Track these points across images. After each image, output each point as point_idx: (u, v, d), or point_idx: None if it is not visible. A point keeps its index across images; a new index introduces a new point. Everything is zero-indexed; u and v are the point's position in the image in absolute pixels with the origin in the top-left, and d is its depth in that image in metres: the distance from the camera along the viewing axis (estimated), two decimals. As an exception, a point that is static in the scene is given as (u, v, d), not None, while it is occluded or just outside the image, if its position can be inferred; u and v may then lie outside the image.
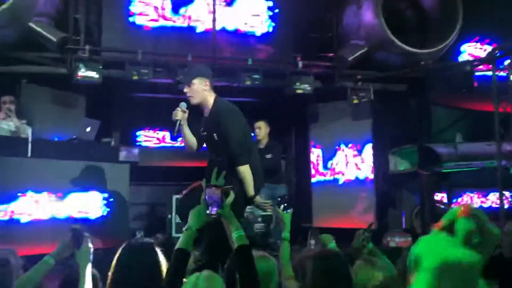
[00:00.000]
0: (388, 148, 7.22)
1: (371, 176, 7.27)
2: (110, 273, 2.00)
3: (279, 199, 2.81)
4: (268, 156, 5.92)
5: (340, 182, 7.49)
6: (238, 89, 6.80)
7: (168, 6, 6.61)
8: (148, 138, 7.86)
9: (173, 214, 6.04)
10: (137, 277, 1.95)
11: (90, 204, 4.88)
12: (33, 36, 5.81)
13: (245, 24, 6.84)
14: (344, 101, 7.05)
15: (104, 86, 6.09)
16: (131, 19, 6.52)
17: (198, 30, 6.67)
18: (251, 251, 2.00)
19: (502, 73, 6.20)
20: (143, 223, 7.18)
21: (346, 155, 7.47)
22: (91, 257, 2.25)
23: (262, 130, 6.02)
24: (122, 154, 5.56)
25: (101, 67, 5.92)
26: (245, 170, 3.29)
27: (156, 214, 7.53)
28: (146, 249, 2.04)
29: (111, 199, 5.02)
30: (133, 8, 6.53)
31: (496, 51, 5.98)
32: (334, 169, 7.54)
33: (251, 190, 3.31)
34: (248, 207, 6.82)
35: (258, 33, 6.90)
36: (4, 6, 5.34)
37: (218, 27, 6.56)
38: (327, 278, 1.78)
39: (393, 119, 7.52)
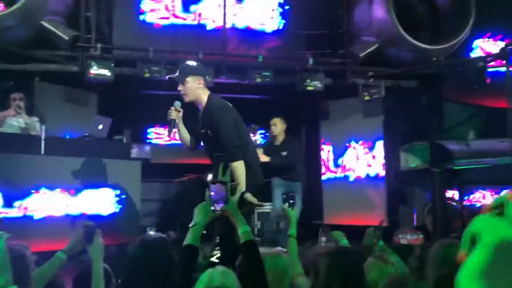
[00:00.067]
0: (399, 145, 7.18)
1: (382, 173, 7.24)
2: (124, 268, 2.02)
3: (284, 196, 2.82)
4: (284, 153, 5.89)
5: (351, 179, 7.47)
6: (249, 86, 6.81)
7: (179, 4, 6.63)
8: (159, 135, 7.90)
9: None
10: (151, 272, 1.97)
11: (102, 201, 4.93)
12: (45, 34, 5.86)
13: (256, 21, 6.84)
14: (355, 98, 7.02)
15: (115, 84, 6.13)
16: (141, 17, 6.56)
17: (208, 28, 6.69)
18: (257, 246, 2.01)
19: (515, 69, 6.13)
20: (154, 220, 7.23)
21: (357, 152, 7.45)
22: (103, 252, 2.28)
23: (277, 126, 5.98)
24: (134, 151, 5.59)
25: (113, 65, 5.96)
26: (237, 166, 3.29)
27: (167, 211, 7.57)
28: (160, 245, 2.05)
29: (123, 196, 5.06)
30: (143, 6, 6.56)
31: (509, 47, 5.92)
32: (344, 166, 7.52)
33: (242, 186, 3.32)
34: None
35: (268, 30, 6.89)
36: (16, 6, 5.40)
37: (228, 25, 6.56)
38: (341, 275, 1.78)
39: (405, 115, 7.48)
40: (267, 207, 6.43)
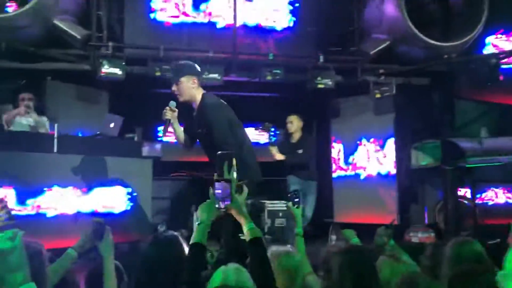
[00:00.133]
0: (410, 143, 7.14)
1: (393, 171, 7.20)
2: (137, 266, 2.04)
3: (289, 194, 2.81)
4: (300, 151, 5.87)
5: (362, 177, 7.45)
6: (259, 84, 6.81)
7: (189, 2, 6.65)
8: (170, 133, 7.92)
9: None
10: (164, 271, 1.98)
11: (114, 199, 4.96)
12: (57, 33, 5.91)
13: (266, 19, 6.83)
14: (365, 95, 6.99)
15: (126, 82, 6.16)
16: (152, 15, 6.58)
17: (218, 26, 6.69)
18: (264, 244, 2.01)
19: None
20: (165, 217, 7.27)
21: (367, 150, 7.42)
22: (113, 249, 2.30)
23: (294, 124, 5.97)
24: (145, 150, 5.63)
25: (124, 63, 5.99)
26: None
27: (178, 208, 7.60)
28: (172, 243, 2.07)
29: (134, 194, 5.09)
30: (154, 5, 6.58)
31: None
32: (355, 164, 7.50)
33: None
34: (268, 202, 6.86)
35: (279, 28, 6.88)
36: (29, 5, 5.44)
37: (238, 23, 6.56)
38: (354, 274, 1.77)
39: (416, 113, 7.43)
40: (277, 205, 6.42)
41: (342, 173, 7.61)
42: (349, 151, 7.56)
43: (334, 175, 7.63)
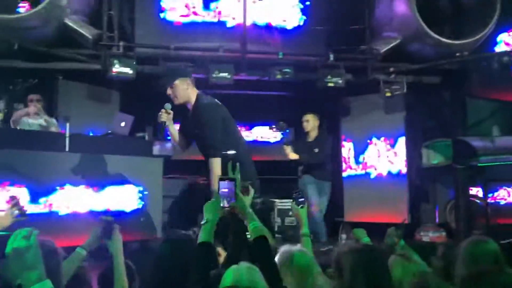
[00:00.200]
0: (421, 142, 7.10)
1: (404, 170, 7.17)
2: (150, 265, 2.05)
3: (293, 195, 2.80)
4: (316, 150, 5.82)
5: (372, 176, 7.42)
6: (269, 83, 6.81)
7: (199, 1, 6.66)
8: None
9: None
10: (177, 269, 1.99)
11: (125, 197, 5.00)
12: (69, 33, 5.95)
13: (276, 18, 6.82)
14: (376, 94, 6.95)
15: (137, 81, 6.20)
16: (162, 15, 6.61)
17: (228, 25, 6.70)
18: (268, 242, 2.02)
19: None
20: (175, 216, 7.29)
21: (378, 149, 7.39)
22: (122, 246, 2.32)
23: (310, 123, 5.91)
24: (156, 149, 5.66)
25: (134, 62, 6.02)
26: (215, 164, 3.35)
27: (188, 207, 7.62)
28: (185, 242, 2.08)
29: (145, 193, 5.12)
30: (164, 4, 6.61)
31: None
32: (365, 163, 7.47)
33: (215, 184, 3.36)
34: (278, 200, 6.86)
35: (289, 27, 6.87)
36: (41, 5, 5.49)
37: (248, 22, 6.56)
38: (367, 274, 1.77)
39: (427, 111, 7.39)
40: (287, 204, 6.43)
41: (353, 172, 7.59)
42: (360, 150, 7.54)
43: (344, 174, 7.61)
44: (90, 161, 4.79)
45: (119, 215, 4.83)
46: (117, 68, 5.94)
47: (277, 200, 6.98)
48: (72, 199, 4.62)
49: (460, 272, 1.95)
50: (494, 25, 6.47)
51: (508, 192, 7.03)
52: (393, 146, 7.29)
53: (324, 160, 5.91)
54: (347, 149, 7.65)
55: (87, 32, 5.98)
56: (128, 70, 5.97)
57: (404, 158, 7.17)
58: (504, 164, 6.33)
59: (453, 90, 7.19)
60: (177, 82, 3.57)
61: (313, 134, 5.94)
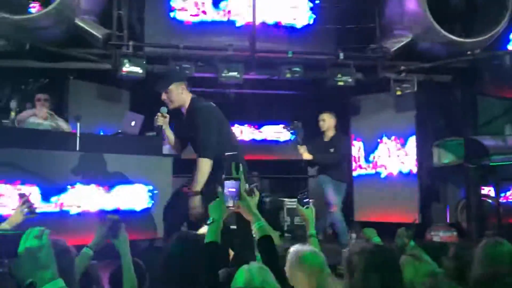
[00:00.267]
0: (432, 141, 7.05)
1: (415, 170, 7.12)
2: (160, 264, 2.05)
3: (299, 195, 2.78)
4: (331, 150, 5.75)
5: (382, 175, 7.39)
6: (279, 82, 6.80)
7: (209, 1, 6.67)
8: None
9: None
10: (188, 269, 1.99)
11: (135, 197, 5.02)
12: (79, 33, 5.99)
13: (286, 16, 6.81)
14: (386, 92, 6.91)
15: (147, 81, 6.22)
16: (172, 14, 6.62)
17: (238, 24, 6.70)
18: (273, 242, 2.01)
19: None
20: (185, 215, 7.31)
21: (388, 148, 7.35)
22: (128, 245, 2.33)
23: (325, 122, 5.80)
24: (165, 148, 5.66)
25: (144, 62, 6.04)
26: (203, 164, 3.41)
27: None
28: (197, 242, 2.08)
29: (155, 192, 5.14)
30: (174, 4, 6.63)
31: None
32: (376, 162, 7.44)
33: (198, 185, 3.40)
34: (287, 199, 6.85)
35: (298, 25, 6.85)
36: (52, 5, 5.53)
37: (258, 21, 6.55)
38: (380, 274, 1.75)
39: (438, 110, 7.34)
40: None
41: (363, 171, 7.56)
42: (370, 149, 7.50)
43: (354, 173, 7.58)
44: (100, 161, 4.81)
45: (129, 214, 4.86)
46: (127, 68, 5.97)
47: (286, 199, 6.98)
48: (83, 198, 4.65)
49: (476, 274, 1.92)
50: (506, 22, 6.39)
51: (520, 192, 6.96)
52: (403, 145, 7.25)
53: (340, 160, 5.77)
54: (357, 148, 7.62)
55: (97, 32, 6.01)
56: (138, 70, 5.99)
57: (415, 157, 7.13)
58: (516, 163, 6.27)
59: (464, 89, 7.13)
60: (172, 86, 3.61)
61: (329, 134, 5.82)
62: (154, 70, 6.31)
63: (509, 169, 6.40)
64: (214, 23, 6.68)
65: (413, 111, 7.16)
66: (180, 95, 3.62)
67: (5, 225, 2.68)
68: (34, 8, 5.89)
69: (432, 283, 1.75)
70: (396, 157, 7.28)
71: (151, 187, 5.12)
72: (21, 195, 2.86)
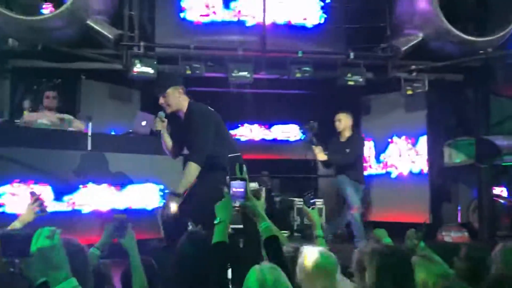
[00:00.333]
0: (443, 140, 7.01)
1: (426, 169, 7.08)
2: (172, 263, 2.07)
3: (304, 196, 2.78)
4: (348, 150, 5.69)
5: (393, 175, 7.35)
6: (289, 81, 6.79)
7: (219, 1, 6.68)
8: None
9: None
10: (200, 268, 2.00)
11: (147, 196, 5.05)
12: (91, 33, 6.03)
13: (296, 16, 6.80)
14: (397, 92, 6.87)
15: (158, 81, 6.24)
16: (182, 14, 6.65)
17: (248, 24, 6.71)
18: (279, 242, 2.02)
19: None
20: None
21: (399, 148, 7.31)
22: (136, 244, 2.35)
23: (341, 122, 5.74)
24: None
25: (155, 62, 6.08)
26: (191, 168, 3.45)
27: (207, 206, 7.66)
28: (206, 241, 2.09)
29: (166, 191, 5.17)
30: (184, 4, 6.65)
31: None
32: (386, 162, 7.40)
33: (181, 187, 3.46)
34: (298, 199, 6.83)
35: (309, 25, 6.84)
36: (65, 6, 5.58)
37: (268, 21, 6.56)
38: (393, 275, 1.74)
39: (449, 110, 7.28)
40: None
41: (373, 171, 7.53)
42: (380, 149, 7.47)
43: (364, 173, 7.54)
44: (112, 160, 4.86)
45: (140, 213, 4.89)
46: (138, 68, 6.00)
47: (296, 199, 6.97)
48: (95, 198, 4.69)
49: (494, 276, 1.91)
50: (519, 21, 6.33)
51: (533, 192, 6.90)
52: (414, 145, 7.21)
53: (356, 161, 5.69)
54: (368, 148, 7.58)
55: (109, 32, 6.05)
56: (149, 70, 6.02)
57: (426, 157, 7.08)
58: (529, 163, 6.21)
59: (476, 88, 7.07)
60: (169, 90, 3.65)
61: (346, 134, 5.74)
62: (165, 70, 6.34)
63: (522, 169, 6.35)
64: (224, 23, 6.69)
65: (424, 111, 7.12)
66: (177, 99, 3.66)
67: (16, 224, 2.71)
68: (47, 9, 5.94)
69: (445, 284, 1.74)
70: (407, 157, 7.24)
71: (162, 186, 5.15)
72: (32, 194, 2.89)
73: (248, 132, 8.41)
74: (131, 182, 4.92)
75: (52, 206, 4.30)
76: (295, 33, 6.79)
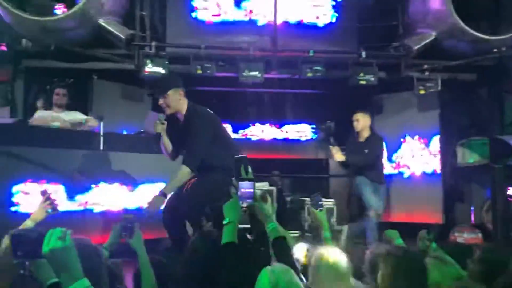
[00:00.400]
0: (456, 140, 6.93)
1: (439, 170, 7.01)
2: (184, 262, 2.07)
3: (311, 198, 2.75)
4: (366, 150, 5.59)
5: (406, 175, 7.29)
6: (300, 81, 6.78)
7: (230, 0, 6.68)
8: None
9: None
10: (210, 267, 2.00)
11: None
12: (103, 34, 6.07)
13: (308, 15, 6.78)
14: (409, 91, 6.82)
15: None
16: (193, 14, 6.66)
17: (259, 23, 6.70)
18: (287, 242, 2.01)
19: None
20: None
21: (411, 148, 7.26)
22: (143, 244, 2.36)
23: (359, 122, 5.65)
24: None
25: (167, 62, 6.09)
26: (183, 171, 3.52)
27: (217, 205, 7.67)
28: (217, 240, 2.09)
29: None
30: (195, 4, 6.66)
31: None
32: (399, 162, 7.35)
33: (168, 188, 3.56)
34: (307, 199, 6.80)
35: (320, 24, 6.81)
36: (77, 6, 5.63)
37: (280, 20, 6.54)
38: (407, 277, 1.72)
39: (462, 109, 7.21)
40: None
41: (385, 171, 7.46)
42: (393, 149, 7.41)
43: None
44: (123, 160, 4.88)
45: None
46: (149, 68, 6.03)
47: (307, 199, 6.94)
48: (107, 197, 4.72)
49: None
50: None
51: (548, 193, 6.79)
52: (427, 145, 7.15)
53: (374, 161, 5.59)
54: (380, 147, 7.53)
55: (121, 32, 6.09)
56: (160, 70, 6.05)
57: (439, 157, 7.01)
58: (544, 164, 6.12)
59: (490, 87, 6.99)
60: (170, 92, 3.65)
61: (364, 134, 5.65)
62: (176, 70, 6.35)
63: (537, 169, 6.25)
64: (235, 22, 6.69)
65: (437, 110, 7.05)
66: (177, 101, 3.67)
67: (28, 222, 2.73)
68: (60, 9, 5.99)
69: (460, 286, 1.72)
70: (420, 156, 7.18)
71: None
72: (43, 193, 2.91)
73: (259, 131, 8.40)
74: (142, 181, 4.94)
75: (65, 205, 4.33)
76: (307, 32, 6.76)
